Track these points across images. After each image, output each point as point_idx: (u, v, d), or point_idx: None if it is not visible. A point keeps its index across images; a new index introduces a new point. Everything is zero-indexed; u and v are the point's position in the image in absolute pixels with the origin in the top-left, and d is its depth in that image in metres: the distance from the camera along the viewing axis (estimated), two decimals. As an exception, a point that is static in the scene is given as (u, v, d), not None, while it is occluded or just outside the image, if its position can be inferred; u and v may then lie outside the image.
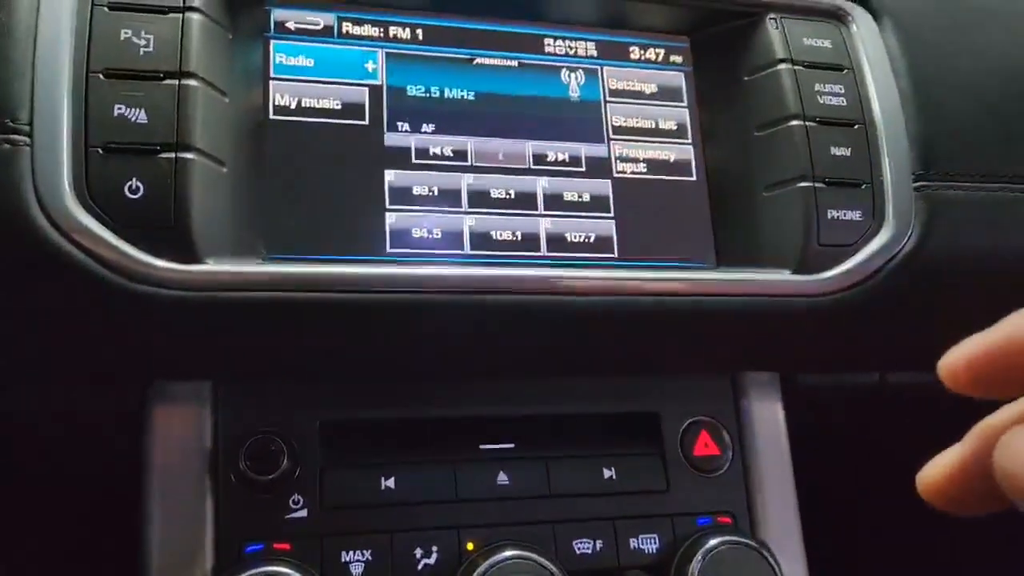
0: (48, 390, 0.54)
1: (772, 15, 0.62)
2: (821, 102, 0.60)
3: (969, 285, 0.59)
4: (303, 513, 0.54)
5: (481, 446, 0.59)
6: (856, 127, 0.60)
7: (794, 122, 0.59)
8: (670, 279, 0.55)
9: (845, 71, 0.61)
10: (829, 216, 0.57)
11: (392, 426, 0.58)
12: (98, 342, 0.50)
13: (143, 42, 0.49)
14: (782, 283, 0.57)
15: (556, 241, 0.59)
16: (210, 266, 0.48)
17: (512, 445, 0.59)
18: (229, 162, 0.51)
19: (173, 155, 0.48)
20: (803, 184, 0.58)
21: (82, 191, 0.46)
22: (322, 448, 0.56)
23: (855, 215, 0.58)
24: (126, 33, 0.49)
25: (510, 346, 0.56)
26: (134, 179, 0.47)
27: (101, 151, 0.47)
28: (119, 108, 0.48)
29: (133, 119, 0.48)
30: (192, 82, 0.49)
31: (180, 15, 0.50)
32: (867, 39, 0.63)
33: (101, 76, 0.48)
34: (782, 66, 0.60)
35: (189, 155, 0.48)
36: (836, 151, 0.59)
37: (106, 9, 0.49)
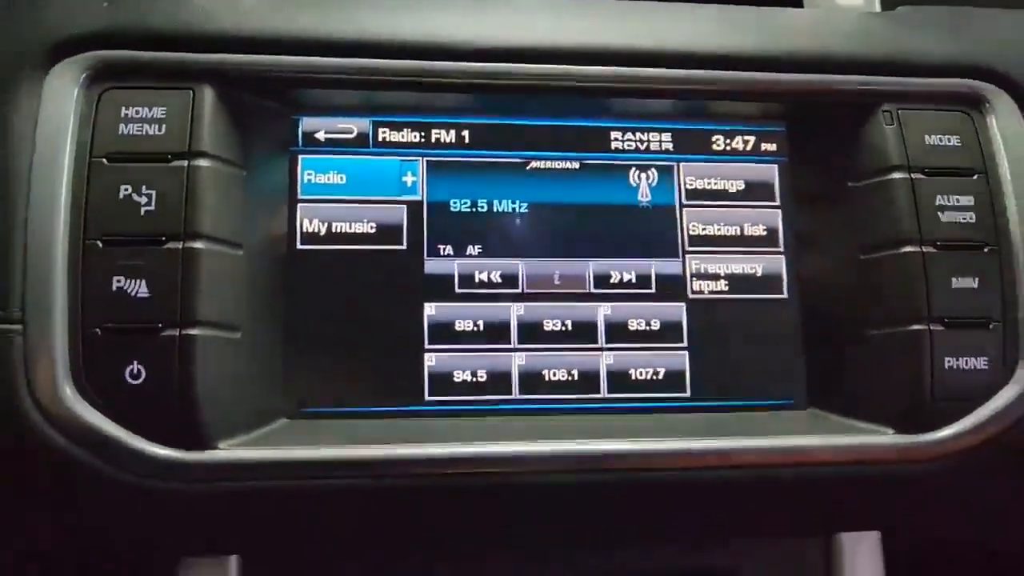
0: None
1: (886, 106, 0.51)
2: (943, 220, 0.49)
3: None
4: None
5: None
6: (987, 250, 0.49)
7: (908, 248, 0.49)
8: (748, 449, 0.47)
9: (976, 176, 0.50)
10: (946, 365, 0.48)
11: None
12: (112, 533, 0.46)
13: (143, 199, 0.44)
14: (883, 447, 0.48)
15: (618, 379, 0.52)
16: (221, 451, 0.44)
17: None
18: (245, 322, 0.46)
19: (177, 332, 0.43)
20: (916, 327, 0.48)
21: (79, 379, 0.42)
22: None
23: (979, 363, 0.48)
24: (125, 190, 0.44)
25: (564, 523, 0.50)
26: (135, 362, 0.42)
27: (99, 332, 0.42)
28: (118, 281, 0.43)
29: (133, 293, 0.43)
30: (198, 244, 0.44)
31: (185, 163, 0.44)
32: (1008, 132, 0.51)
33: (99, 244, 0.43)
34: (896, 175, 0.50)
35: (195, 330, 0.43)
36: (959, 283, 0.49)
37: (104, 162, 0.44)
